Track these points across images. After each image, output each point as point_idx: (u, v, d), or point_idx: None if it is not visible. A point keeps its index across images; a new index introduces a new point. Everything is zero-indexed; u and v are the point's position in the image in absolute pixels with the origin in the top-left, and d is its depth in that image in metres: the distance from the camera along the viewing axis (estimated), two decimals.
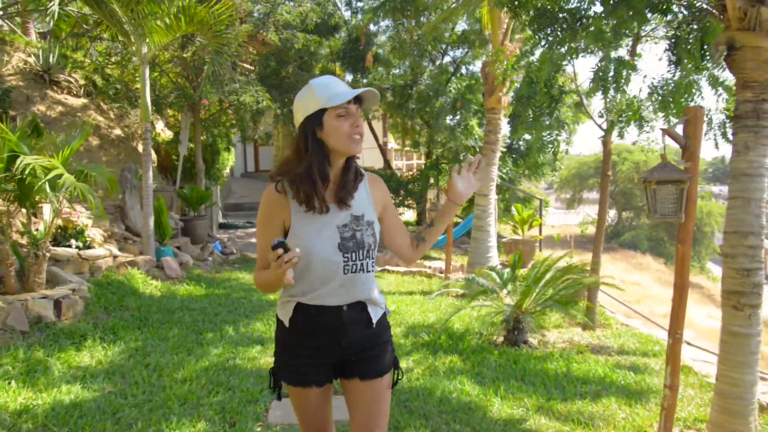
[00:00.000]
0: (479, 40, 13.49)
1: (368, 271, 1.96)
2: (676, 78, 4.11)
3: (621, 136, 5.75)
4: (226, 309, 6.18)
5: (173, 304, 6.10)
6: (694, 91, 4.61)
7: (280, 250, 1.67)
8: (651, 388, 4.41)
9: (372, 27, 13.44)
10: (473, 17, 10.50)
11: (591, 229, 21.73)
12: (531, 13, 4.33)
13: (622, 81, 4.29)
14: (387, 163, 16.44)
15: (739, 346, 3.17)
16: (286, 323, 1.98)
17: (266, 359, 4.60)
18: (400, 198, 14.07)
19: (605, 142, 6.19)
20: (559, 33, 4.02)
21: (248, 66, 11.11)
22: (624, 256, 24.53)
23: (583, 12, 4.09)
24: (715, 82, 4.52)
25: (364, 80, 13.70)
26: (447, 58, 14.80)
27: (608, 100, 4.66)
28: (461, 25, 13.89)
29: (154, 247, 7.62)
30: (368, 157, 18.60)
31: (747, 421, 3.18)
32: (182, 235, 9.24)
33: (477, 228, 9.07)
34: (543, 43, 4.14)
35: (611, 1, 3.94)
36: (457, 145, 12.92)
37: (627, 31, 4.11)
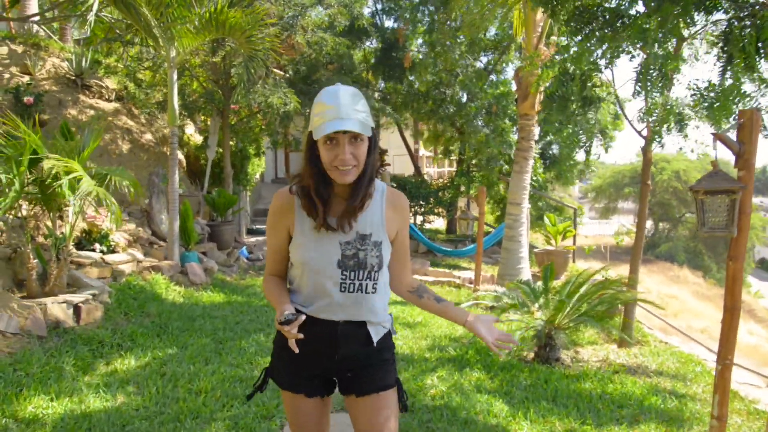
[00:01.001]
0: (511, 44, 13.24)
1: (368, 293, 1.84)
2: (725, 78, 3.81)
3: (661, 145, 5.40)
4: (248, 317, 6.04)
5: (195, 311, 5.99)
6: (742, 93, 4.30)
7: (286, 327, 1.70)
8: (694, 414, 4.09)
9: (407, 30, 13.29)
10: (506, 20, 10.23)
11: (627, 240, 21.17)
12: (568, 12, 4.10)
13: (667, 79, 4.00)
14: (417, 170, 16.21)
15: None
16: None
17: None
18: (430, 206, 13.82)
19: (645, 150, 5.89)
20: (598, 33, 3.77)
21: (279, 71, 11.04)
22: (661, 268, 23.82)
23: (624, 10, 3.83)
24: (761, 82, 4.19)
25: (400, 85, 13.55)
26: (479, 64, 14.55)
27: (650, 103, 4.37)
28: (491, 32, 13.66)
29: (178, 252, 7.54)
30: (399, 164, 18.40)
31: None
32: (209, 241, 9.15)
33: (508, 238, 8.79)
34: (580, 38, 3.88)
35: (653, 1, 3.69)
36: (491, 152, 12.65)
37: (670, 32, 3.84)
